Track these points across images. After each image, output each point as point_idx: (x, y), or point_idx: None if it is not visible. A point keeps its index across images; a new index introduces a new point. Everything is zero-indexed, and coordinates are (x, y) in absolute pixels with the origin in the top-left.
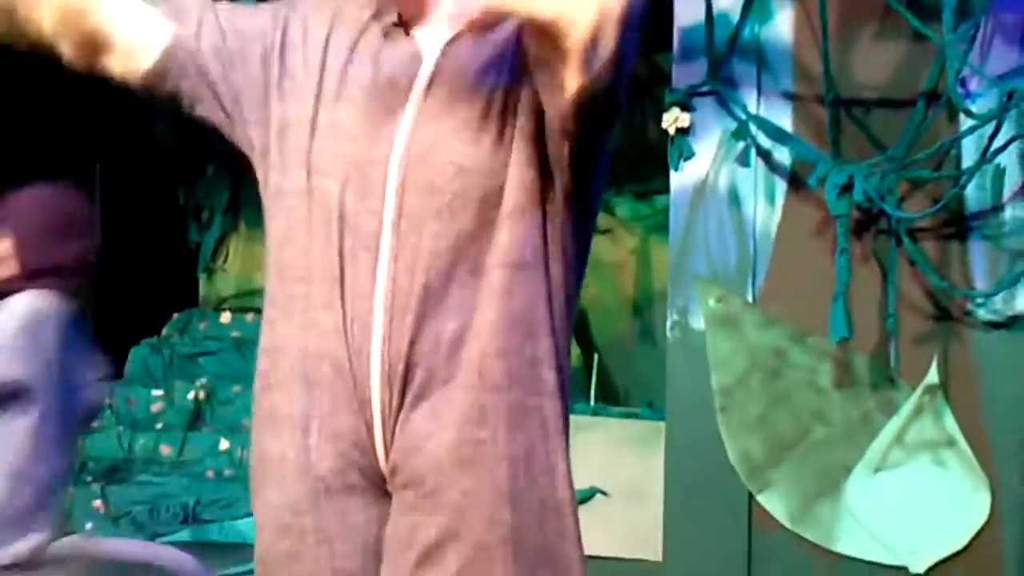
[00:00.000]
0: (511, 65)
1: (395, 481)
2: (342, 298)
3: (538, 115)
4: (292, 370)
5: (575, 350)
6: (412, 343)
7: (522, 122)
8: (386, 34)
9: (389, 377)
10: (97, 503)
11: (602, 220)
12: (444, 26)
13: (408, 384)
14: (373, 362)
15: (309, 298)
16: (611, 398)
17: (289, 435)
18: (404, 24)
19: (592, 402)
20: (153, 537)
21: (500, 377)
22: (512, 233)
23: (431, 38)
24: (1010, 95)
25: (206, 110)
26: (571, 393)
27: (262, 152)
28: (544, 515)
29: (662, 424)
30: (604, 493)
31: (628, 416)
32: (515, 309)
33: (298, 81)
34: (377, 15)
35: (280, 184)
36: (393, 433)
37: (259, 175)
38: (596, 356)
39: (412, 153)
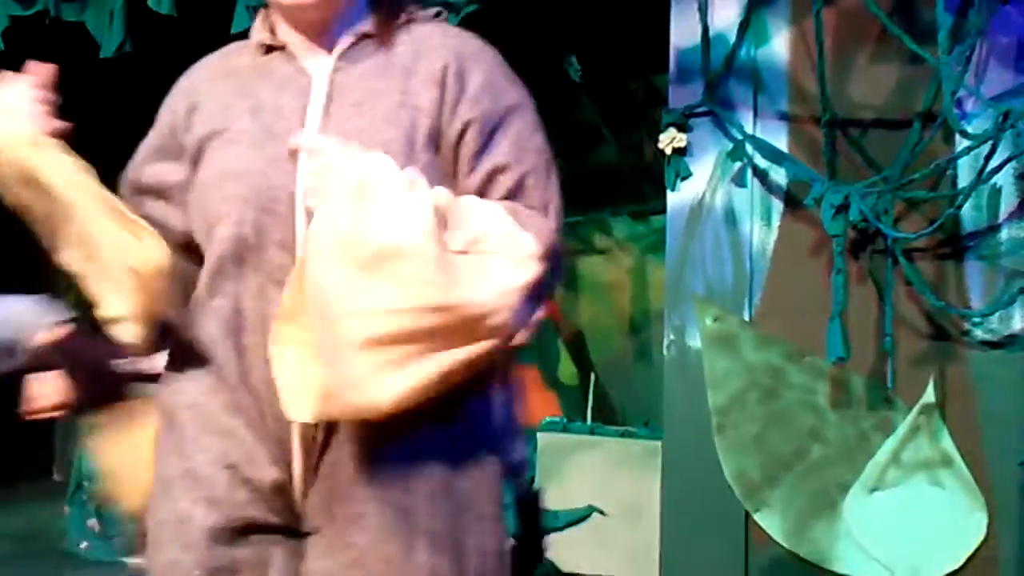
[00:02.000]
0: (412, 85)
1: (313, 522)
2: (238, 345)
3: (454, 149)
4: (201, 423)
5: (572, 370)
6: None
7: (428, 155)
8: (261, 63)
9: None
10: (92, 522)
11: (599, 240)
12: (331, 42)
13: (329, 424)
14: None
15: (211, 347)
16: (608, 417)
17: (203, 491)
18: (280, 45)
19: (589, 421)
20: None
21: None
22: None
23: (318, 55)
24: (1005, 115)
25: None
26: (567, 412)
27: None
28: None
29: (659, 443)
30: (601, 512)
31: (625, 435)
32: None
33: (189, 148)
34: (250, 49)
35: (198, 240)
36: (315, 472)
37: None
38: (593, 375)
39: None
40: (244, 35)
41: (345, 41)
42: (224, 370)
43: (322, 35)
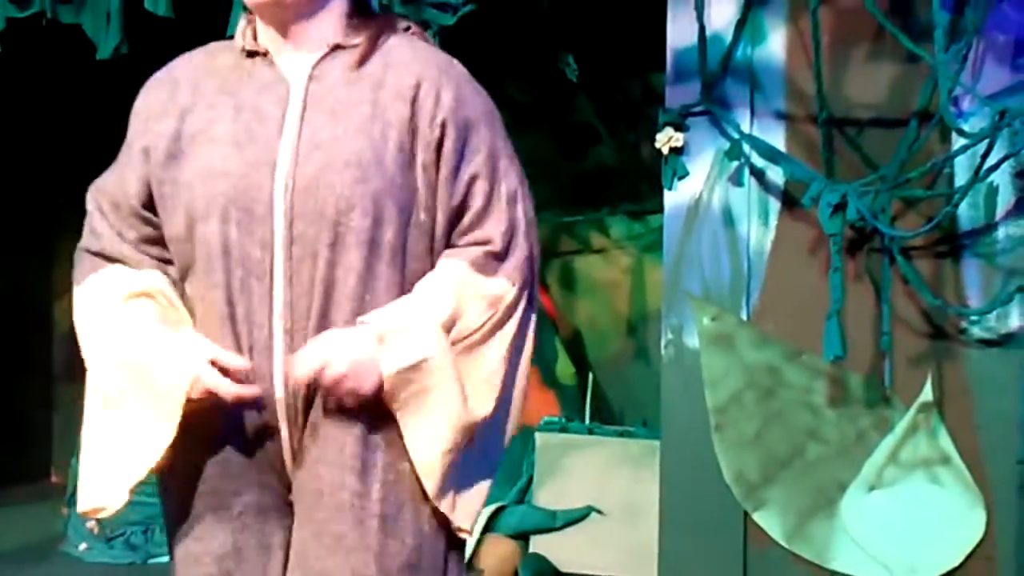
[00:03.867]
0: (382, 97)
1: (296, 495)
2: (234, 332)
3: (435, 154)
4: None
5: (570, 369)
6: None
7: (395, 167)
8: (243, 65)
9: (293, 396)
10: (91, 524)
11: (596, 240)
12: (308, 51)
13: (309, 402)
14: (277, 385)
15: (211, 336)
16: (606, 417)
17: (202, 481)
18: (263, 53)
19: (587, 421)
20: (147, 558)
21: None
22: (395, 262)
23: (296, 63)
24: (1002, 114)
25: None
26: (565, 412)
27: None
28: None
29: (657, 443)
30: (599, 512)
31: (623, 435)
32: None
33: (167, 141)
34: (234, 50)
35: (168, 233)
36: (299, 448)
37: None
38: (591, 375)
39: (298, 179)
40: None
41: (319, 53)
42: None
43: (295, 38)
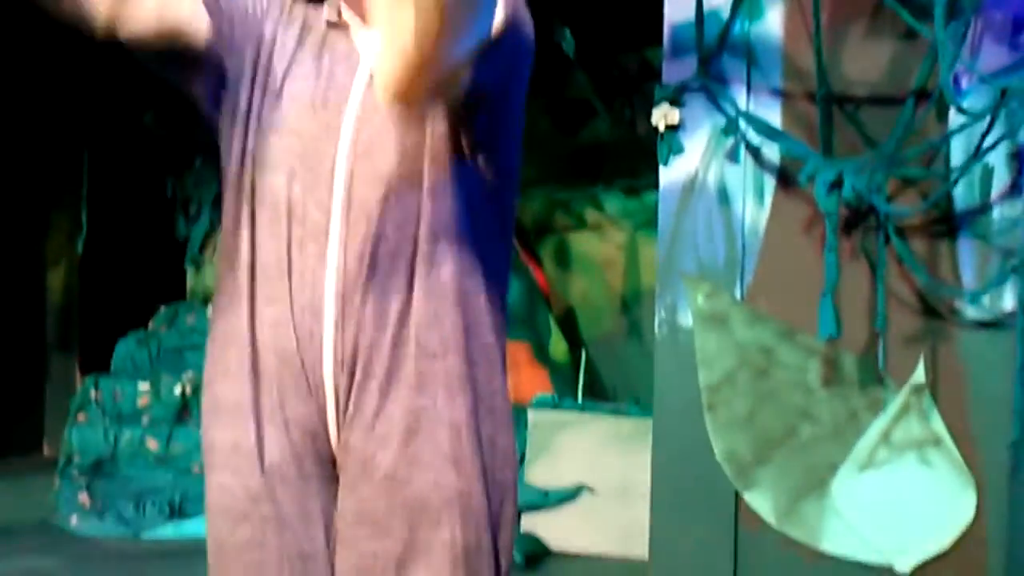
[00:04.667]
0: None
1: (347, 460)
2: (290, 289)
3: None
4: (240, 360)
5: (563, 346)
6: (361, 325)
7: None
8: (327, 35)
9: (341, 361)
10: (82, 497)
11: (591, 216)
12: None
13: (357, 365)
14: (326, 348)
15: (256, 290)
16: (599, 395)
17: (240, 424)
18: (343, 24)
19: (580, 399)
20: (138, 532)
21: (435, 345)
22: (435, 210)
23: (371, 38)
24: (1003, 92)
25: (201, 87)
26: (558, 389)
27: (224, 143)
28: (486, 478)
29: (649, 421)
30: (591, 490)
31: (615, 413)
32: (443, 280)
33: (248, 78)
34: (317, 15)
35: (230, 176)
36: (345, 414)
37: (223, 164)
38: (584, 352)
39: (359, 146)
40: None
41: None
42: (267, 316)
43: (367, 15)
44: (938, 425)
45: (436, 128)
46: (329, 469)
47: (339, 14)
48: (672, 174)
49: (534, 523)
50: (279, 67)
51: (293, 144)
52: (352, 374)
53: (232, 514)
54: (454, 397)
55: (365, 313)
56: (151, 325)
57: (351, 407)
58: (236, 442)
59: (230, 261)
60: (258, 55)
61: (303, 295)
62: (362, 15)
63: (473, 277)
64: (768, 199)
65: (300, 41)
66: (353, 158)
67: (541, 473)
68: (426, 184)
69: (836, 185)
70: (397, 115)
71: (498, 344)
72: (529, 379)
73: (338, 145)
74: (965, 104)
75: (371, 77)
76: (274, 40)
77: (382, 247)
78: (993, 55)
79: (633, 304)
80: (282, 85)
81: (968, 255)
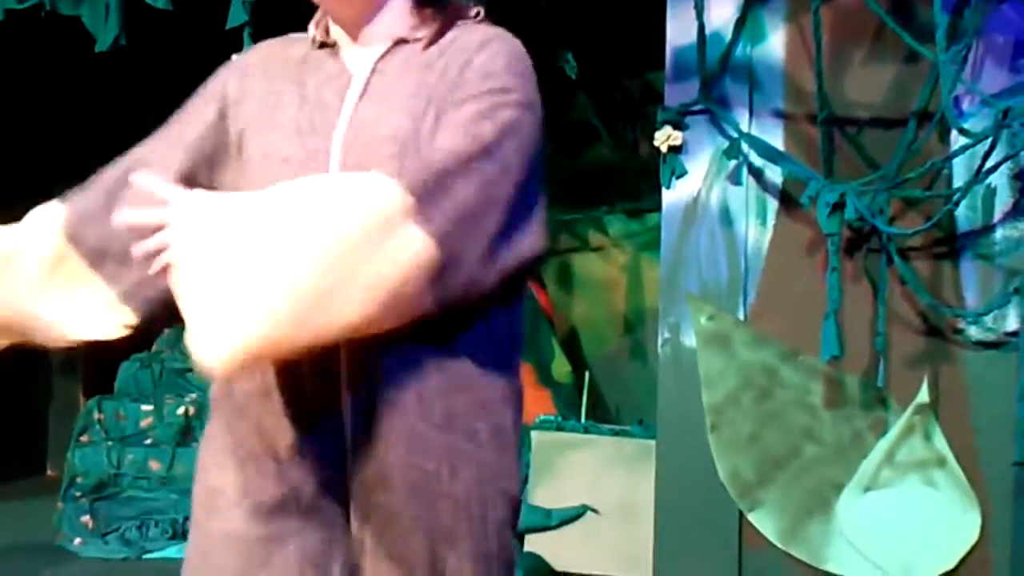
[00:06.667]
0: (432, 84)
1: (354, 496)
2: None
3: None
4: (250, 399)
5: (566, 367)
6: (374, 362)
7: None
8: (309, 57)
9: (355, 391)
10: (86, 518)
11: (594, 238)
12: (374, 45)
13: (373, 396)
14: (344, 378)
15: None
16: (602, 415)
17: (249, 468)
18: (332, 44)
19: (583, 420)
20: (142, 553)
21: (440, 417)
22: None
23: (361, 56)
24: (1005, 113)
25: None
26: (561, 410)
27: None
28: (476, 564)
29: (652, 442)
30: (595, 511)
31: (619, 434)
32: (456, 359)
33: (236, 127)
34: (293, 43)
35: None
36: (356, 449)
37: None
38: (587, 373)
39: (347, 169)
40: (239, 31)
41: (383, 46)
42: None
43: (361, 33)
44: (942, 445)
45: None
46: (343, 500)
47: (327, 32)
48: (675, 196)
49: (537, 543)
50: (266, 103)
51: (278, 172)
52: (368, 401)
53: (243, 553)
54: (457, 472)
55: (376, 354)
56: (155, 347)
57: (359, 444)
58: (238, 485)
59: None
60: (227, 124)
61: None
62: (352, 32)
63: (472, 329)
64: (771, 220)
65: (270, 76)
66: None
67: (544, 494)
68: None
69: (838, 206)
70: (384, 138)
71: (503, 425)
72: (532, 400)
73: (329, 167)
74: (967, 125)
75: (361, 99)
76: (240, 98)
77: None
78: (994, 77)
79: (636, 325)
80: (270, 119)
81: (971, 276)
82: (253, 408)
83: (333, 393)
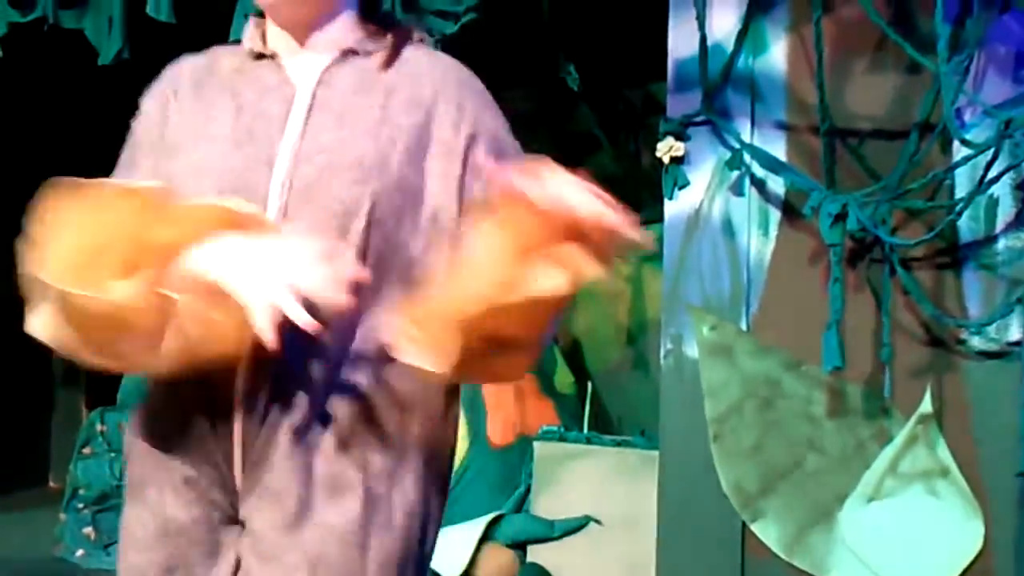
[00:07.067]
0: (394, 104)
1: (243, 517)
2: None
3: (462, 160)
4: (157, 422)
5: (568, 378)
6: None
7: (401, 173)
8: (244, 68)
9: (249, 392)
10: (88, 530)
11: None
12: (319, 54)
13: (268, 409)
14: (237, 393)
15: None
16: (604, 426)
17: (155, 491)
18: (270, 56)
19: (585, 430)
20: None
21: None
22: (392, 266)
23: (304, 66)
24: (1007, 124)
25: None
26: (564, 421)
27: None
28: None
29: (655, 453)
30: (597, 522)
31: (621, 444)
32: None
33: (166, 144)
34: (239, 54)
35: None
36: (251, 451)
37: None
38: (590, 384)
39: (296, 182)
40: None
41: (329, 57)
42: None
43: (306, 42)
44: (945, 455)
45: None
46: (235, 509)
47: (263, 41)
48: (677, 207)
49: (540, 554)
50: (194, 117)
51: (211, 183)
52: (262, 419)
53: None
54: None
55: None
56: None
57: (253, 457)
58: (156, 513)
59: None
60: (170, 121)
61: None
62: (299, 37)
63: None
64: (773, 231)
65: (199, 90)
66: (289, 191)
67: (547, 504)
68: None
69: (841, 217)
70: (342, 158)
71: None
72: (534, 411)
73: (271, 179)
74: (969, 136)
75: (310, 111)
76: (167, 120)
77: None
78: (996, 87)
79: (639, 336)
80: (202, 131)
81: (973, 286)
82: (156, 429)
83: (226, 420)
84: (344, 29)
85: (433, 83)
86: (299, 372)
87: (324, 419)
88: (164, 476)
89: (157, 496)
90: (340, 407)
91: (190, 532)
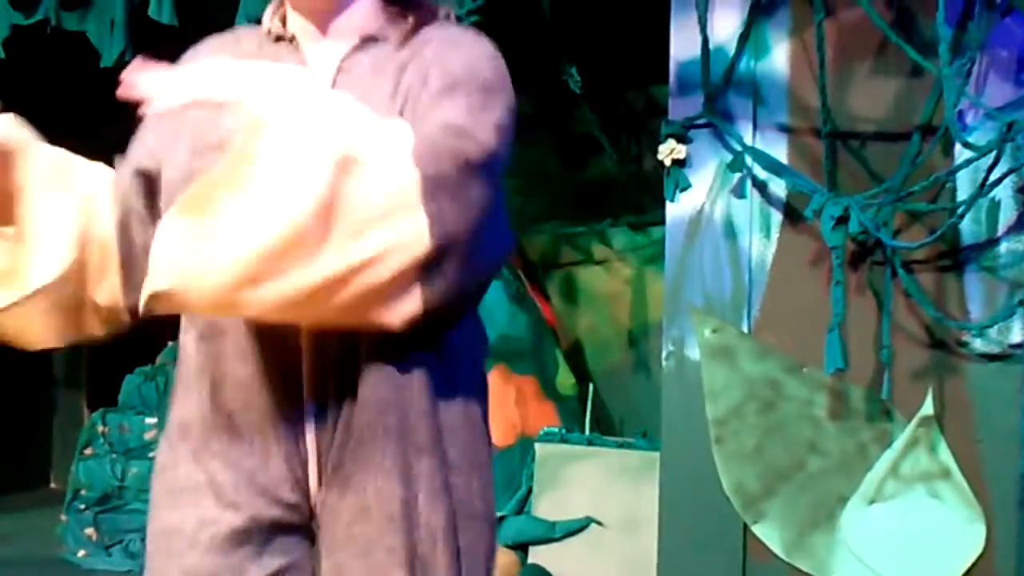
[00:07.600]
0: (410, 83)
1: (324, 519)
2: (259, 348)
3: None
4: (207, 425)
5: (570, 380)
6: (345, 382)
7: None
8: (268, 50)
9: (320, 416)
10: (89, 531)
11: (597, 251)
12: (340, 40)
13: (339, 420)
14: (307, 406)
15: (221, 352)
16: (606, 428)
17: (206, 500)
18: (290, 39)
19: (587, 432)
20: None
21: (423, 441)
22: None
23: (324, 52)
24: (1009, 126)
25: None
26: (565, 422)
27: None
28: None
29: (656, 455)
30: (599, 523)
31: (623, 446)
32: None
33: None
34: (259, 35)
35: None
36: (323, 473)
37: None
38: (591, 386)
39: None
40: None
41: (349, 43)
42: (237, 377)
43: (326, 27)
44: (946, 458)
45: None
46: (308, 524)
47: (284, 24)
48: (678, 209)
49: (541, 556)
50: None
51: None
52: (333, 430)
53: None
54: (435, 501)
55: (343, 373)
56: (158, 360)
57: (331, 468)
58: (203, 518)
59: (191, 326)
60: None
61: (275, 355)
62: (319, 24)
63: (448, 338)
64: (775, 234)
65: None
66: None
67: (548, 506)
68: None
69: (842, 220)
70: None
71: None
72: (536, 413)
73: None
74: (971, 139)
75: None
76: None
77: None
78: (998, 90)
79: (640, 338)
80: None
81: (975, 288)
82: (209, 434)
83: (297, 417)
84: (366, 15)
85: (435, 49)
86: (364, 368)
87: (401, 414)
88: (224, 477)
89: (213, 499)
90: (415, 401)
91: (242, 536)
